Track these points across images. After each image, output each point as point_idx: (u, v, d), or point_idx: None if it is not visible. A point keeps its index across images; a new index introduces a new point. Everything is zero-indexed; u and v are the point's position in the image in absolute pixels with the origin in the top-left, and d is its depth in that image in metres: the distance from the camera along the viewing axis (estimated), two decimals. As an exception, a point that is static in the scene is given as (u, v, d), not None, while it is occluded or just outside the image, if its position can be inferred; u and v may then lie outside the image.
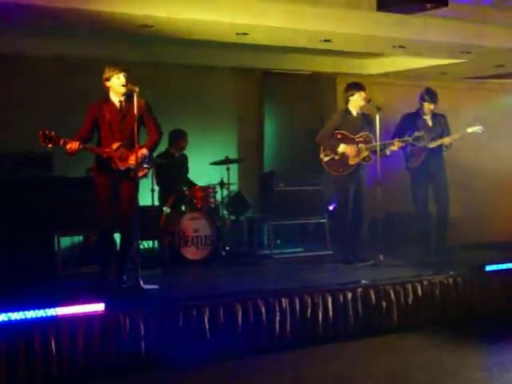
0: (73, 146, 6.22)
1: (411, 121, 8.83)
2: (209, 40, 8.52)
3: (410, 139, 8.25)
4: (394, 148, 8.18)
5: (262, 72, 10.79)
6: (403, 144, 8.32)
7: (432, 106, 8.82)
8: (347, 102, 8.13)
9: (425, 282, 7.15)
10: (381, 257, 7.87)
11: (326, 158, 8.10)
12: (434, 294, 7.18)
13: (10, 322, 5.38)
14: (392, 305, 6.91)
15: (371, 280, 6.98)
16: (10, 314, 5.39)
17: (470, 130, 8.74)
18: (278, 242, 9.76)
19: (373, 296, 6.84)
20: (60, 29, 7.95)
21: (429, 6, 6.90)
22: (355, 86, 8.10)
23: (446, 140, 8.72)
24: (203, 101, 10.18)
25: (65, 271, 7.80)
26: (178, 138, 9.28)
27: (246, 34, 8.16)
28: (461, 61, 9.94)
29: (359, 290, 6.79)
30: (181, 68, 9.92)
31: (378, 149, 7.91)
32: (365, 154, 8.04)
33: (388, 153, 8.11)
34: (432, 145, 8.69)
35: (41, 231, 7.86)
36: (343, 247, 8.27)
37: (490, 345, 6.50)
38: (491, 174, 11.53)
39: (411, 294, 7.03)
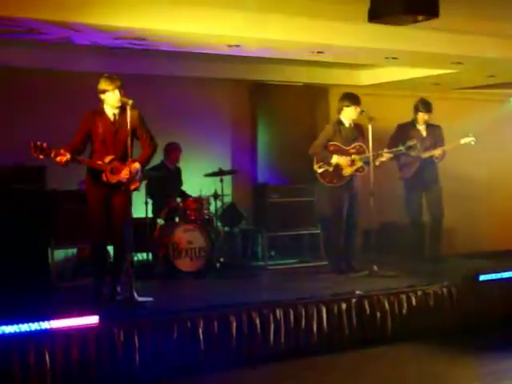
0: (62, 159, 6.19)
1: (405, 131, 8.87)
2: (201, 52, 8.53)
3: (402, 148, 8.28)
4: (384, 158, 8.16)
5: (255, 84, 10.82)
6: (394, 154, 8.33)
7: (426, 116, 8.87)
8: (340, 111, 8.15)
9: (419, 293, 7.16)
10: (375, 267, 7.89)
11: (319, 170, 8.10)
12: (428, 304, 7.18)
13: (4, 335, 5.37)
14: (386, 315, 6.91)
15: (365, 290, 6.99)
16: (3, 327, 5.38)
17: (463, 141, 8.80)
18: (273, 253, 9.77)
19: (367, 306, 6.84)
20: (55, 42, 7.95)
21: (420, 17, 6.93)
22: (351, 99, 8.10)
23: (438, 151, 8.75)
24: (196, 113, 10.20)
25: (59, 284, 7.79)
26: (171, 151, 9.33)
27: (237, 46, 8.17)
28: (453, 71, 9.98)
29: (353, 300, 6.79)
30: (174, 80, 9.94)
31: (370, 159, 7.93)
32: (358, 164, 8.06)
33: (377, 163, 8.09)
34: (425, 155, 8.73)
35: (34, 244, 7.87)
36: (336, 257, 8.27)
37: (483, 354, 6.51)
38: (484, 183, 11.59)
39: (405, 305, 7.04)
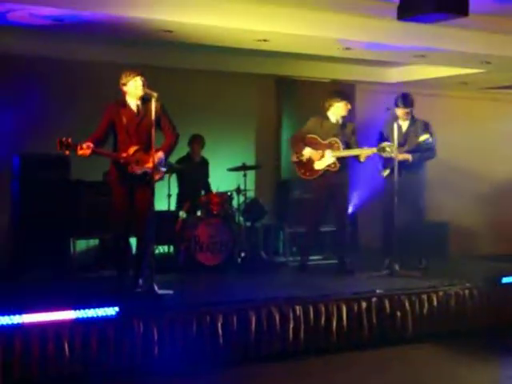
0: (86, 152, 6.25)
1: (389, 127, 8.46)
2: (227, 46, 8.52)
3: (375, 150, 7.96)
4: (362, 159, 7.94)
5: (281, 79, 10.79)
6: (371, 153, 7.97)
7: (405, 111, 8.25)
8: (329, 107, 8.04)
9: (440, 293, 7.11)
10: (396, 267, 7.83)
11: (294, 159, 8.12)
12: (449, 305, 7.14)
13: (24, 324, 5.40)
14: (407, 315, 6.88)
15: (386, 290, 6.95)
16: (24, 316, 5.41)
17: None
18: (294, 249, 9.73)
19: (387, 306, 6.81)
20: (80, 34, 7.98)
21: (449, 15, 6.86)
22: (340, 94, 8.07)
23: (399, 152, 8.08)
24: (221, 107, 10.19)
25: (80, 274, 7.83)
26: (192, 143, 9.38)
27: (266, 40, 8.16)
28: (481, 71, 9.89)
29: (374, 299, 6.76)
30: (199, 74, 9.94)
31: (395, 156, 7.79)
32: (330, 160, 7.96)
33: (362, 160, 7.93)
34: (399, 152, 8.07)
35: (57, 234, 7.92)
36: (302, 251, 8.43)
37: (503, 357, 6.47)
38: (509, 184, 11.47)
39: (426, 305, 7.00)
